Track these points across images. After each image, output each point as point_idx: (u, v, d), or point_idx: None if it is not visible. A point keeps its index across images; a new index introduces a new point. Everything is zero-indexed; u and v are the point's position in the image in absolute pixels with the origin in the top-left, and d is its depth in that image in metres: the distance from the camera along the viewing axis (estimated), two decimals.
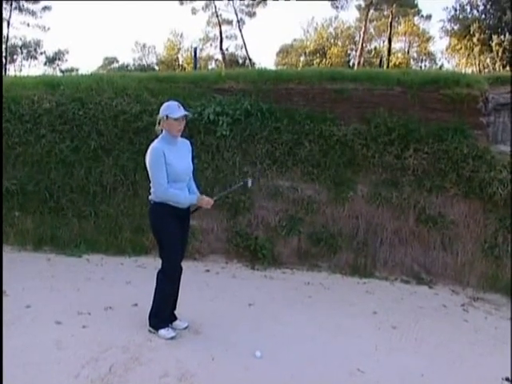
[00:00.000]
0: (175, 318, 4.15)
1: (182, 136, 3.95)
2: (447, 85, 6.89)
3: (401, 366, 3.91)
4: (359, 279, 6.25)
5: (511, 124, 6.86)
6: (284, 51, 36.61)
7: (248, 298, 5.13)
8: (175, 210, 3.84)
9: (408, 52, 34.71)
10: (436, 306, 5.55)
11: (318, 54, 34.40)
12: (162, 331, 3.91)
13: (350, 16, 72.55)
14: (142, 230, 6.46)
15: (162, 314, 3.97)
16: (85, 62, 53.20)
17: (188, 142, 4.05)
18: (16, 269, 5.39)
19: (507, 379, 3.80)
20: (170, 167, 3.74)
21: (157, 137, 3.89)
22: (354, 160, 6.67)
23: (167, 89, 7.15)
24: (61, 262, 6.03)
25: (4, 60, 28.28)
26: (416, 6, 30.52)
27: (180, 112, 3.82)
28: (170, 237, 3.88)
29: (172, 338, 3.87)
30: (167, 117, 3.79)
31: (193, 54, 21.93)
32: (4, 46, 28.71)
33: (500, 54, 22.62)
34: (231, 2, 31.42)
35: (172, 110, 3.82)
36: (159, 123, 3.87)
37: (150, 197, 3.93)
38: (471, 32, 24.33)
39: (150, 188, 3.89)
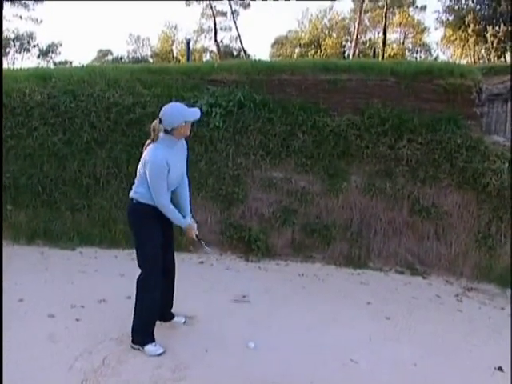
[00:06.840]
0: (173, 317, 4.06)
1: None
2: (441, 75, 6.88)
3: (394, 356, 3.93)
4: (353, 270, 6.24)
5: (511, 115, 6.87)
6: (279, 43, 36.44)
7: (242, 289, 5.12)
8: (157, 211, 3.57)
9: (403, 43, 34.63)
10: (430, 297, 5.56)
11: (312, 46, 34.27)
12: (150, 347, 3.57)
13: (344, 7, 72.05)
14: None
15: (147, 328, 3.62)
16: (79, 54, 52.87)
17: (184, 142, 3.69)
18: (9, 263, 5.34)
19: (499, 369, 3.83)
20: (168, 175, 3.47)
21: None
22: (347, 151, 6.65)
23: (160, 80, 7.11)
24: (54, 256, 6.00)
25: None
26: None
27: (195, 111, 3.49)
28: (150, 239, 3.58)
29: (160, 355, 3.53)
30: (185, 122, 3.44)
31: (185, 46, 21.76)
32: None
33: (495, 44, 22.62)
34: None
35: (187, 112, 3.46)
36: (167, 131, 3.45)
37: (131, 195, 3.68)
38: (466, 23, 24.28)
39: (132, 185, 3.72)
